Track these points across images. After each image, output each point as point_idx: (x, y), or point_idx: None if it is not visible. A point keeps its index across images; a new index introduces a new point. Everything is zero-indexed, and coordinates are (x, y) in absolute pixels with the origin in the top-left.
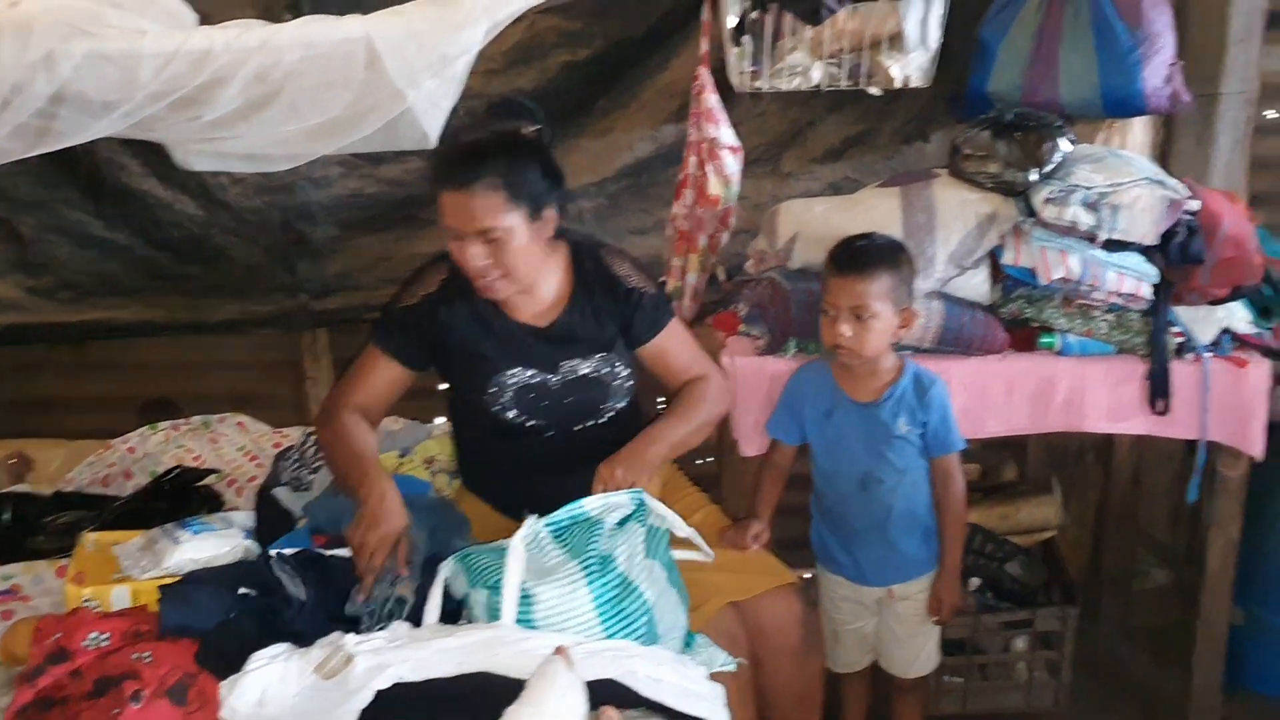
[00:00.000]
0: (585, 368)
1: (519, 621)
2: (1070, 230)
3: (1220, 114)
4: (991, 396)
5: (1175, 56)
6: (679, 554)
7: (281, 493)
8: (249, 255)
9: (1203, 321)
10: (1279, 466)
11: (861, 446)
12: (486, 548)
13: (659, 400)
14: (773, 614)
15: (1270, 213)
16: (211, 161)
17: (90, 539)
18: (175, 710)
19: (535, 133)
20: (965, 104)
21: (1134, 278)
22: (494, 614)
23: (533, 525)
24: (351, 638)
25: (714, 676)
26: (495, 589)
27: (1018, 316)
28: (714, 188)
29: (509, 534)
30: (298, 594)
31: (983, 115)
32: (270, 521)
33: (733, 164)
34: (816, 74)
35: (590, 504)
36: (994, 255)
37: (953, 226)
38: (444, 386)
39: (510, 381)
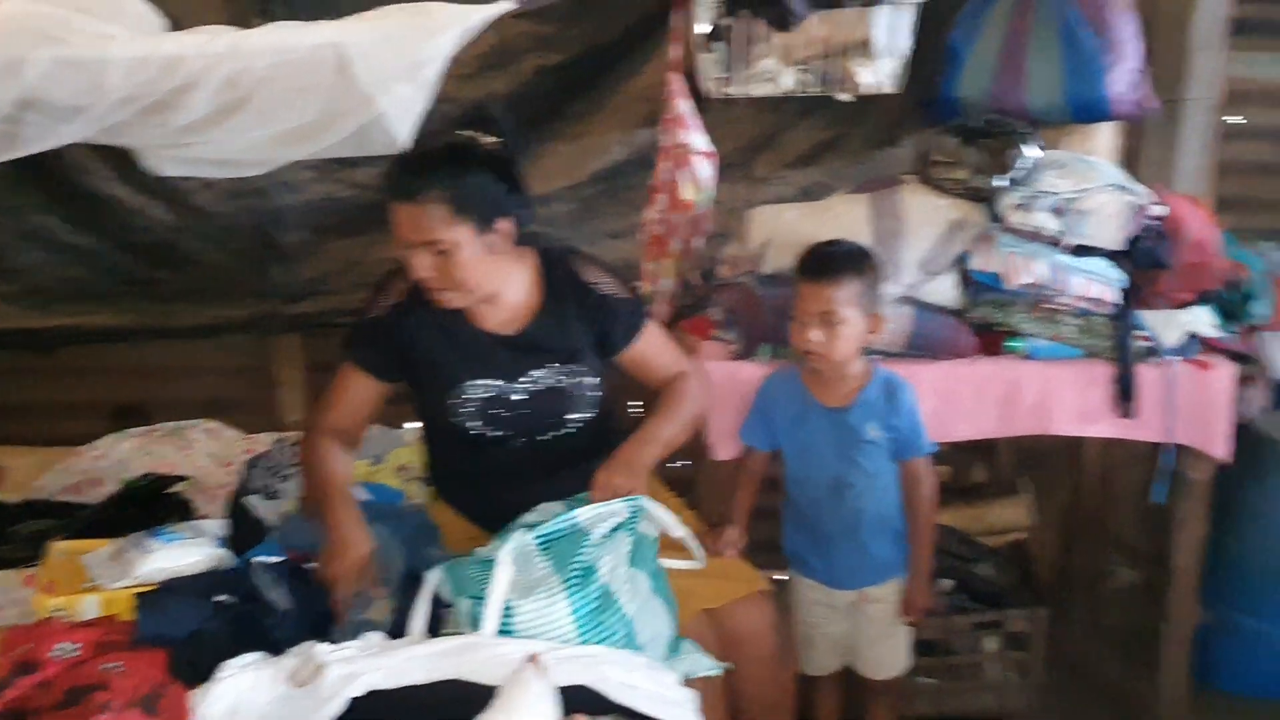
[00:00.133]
0: (549, 379)
1: (498, 632)
2: (1037, 236)
3: (1185, 119)
4: (960, 400)
5: (1140, 63)
6: (666, 561)
7: (253, 501)
8: (220, 260)
9: (1168, 325)
10: (1244, 468)
11: (832, 451)
12: (475, 559)
13: (629, 404)
14: (746, 621)
15: (1235, 217)
16: (182, 167)
17: (59, 548)
18: None
19: (494, 144)
20: (935, 110)
21: (1100, 282)
22: (476, 624)
23: (522, 538)
24: (324, 646)
25: (688, 683)
26: (479, 599)
27: (986, 321)
28: (687, 192)
29: (480, 542)
30: (279, 602)
31: (951, 121)
32: (243, 530)
33: (705, 169)
34: (787, 80)
35: (583, 514)
36: (962, 261)
37: (921, 233)
38: (408, 392)
39: (472, 393)
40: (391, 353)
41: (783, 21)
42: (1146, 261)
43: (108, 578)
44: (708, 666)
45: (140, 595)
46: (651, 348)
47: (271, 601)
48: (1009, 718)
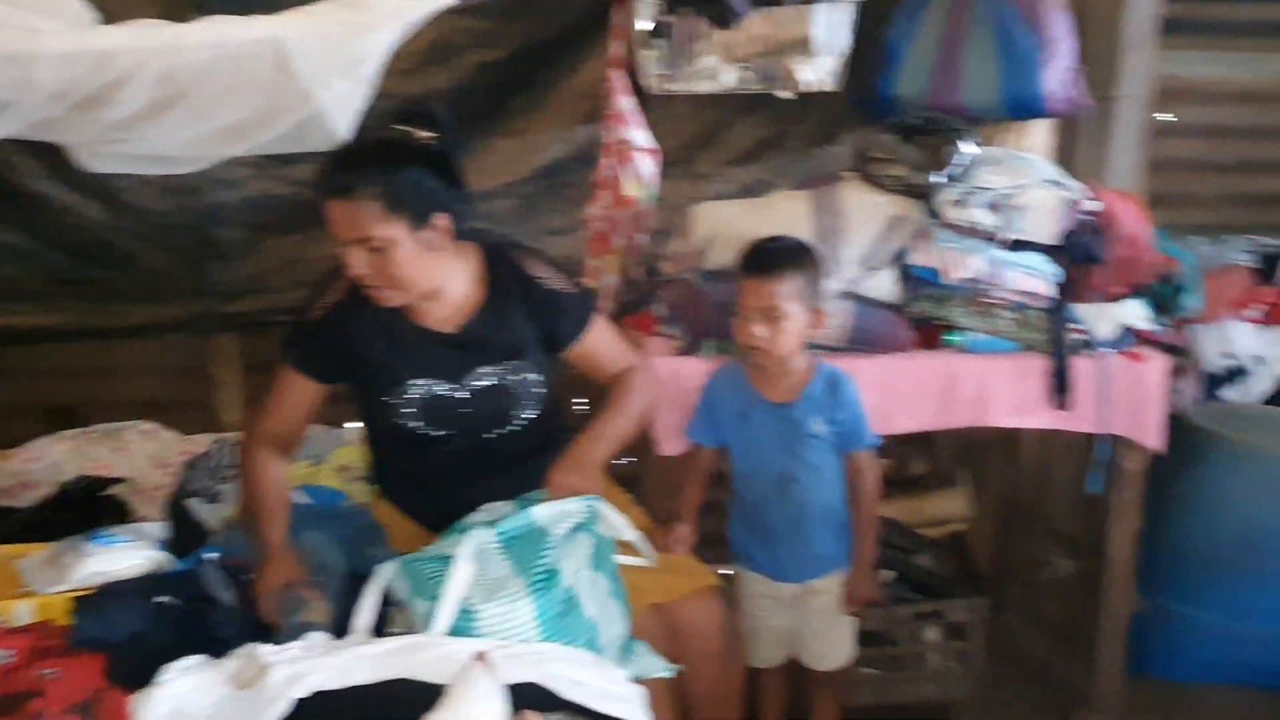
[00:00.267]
0: (493, 377)
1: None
2: (974, 231)
3: (1117, 117)
4: (900, 393)
5: (1074, 61)
6: (618, 559)
7: (194, 504)
8: (155, 259)
9: (1102, 318)
10: (1176, 458)
11: (778, 446)
12: (432, 555)
13: (575, 401)
14: (694, 617)
15: (1166, 213)
16: (115, 163)
17: None
18: None
19: (429, 139)
20: (873, 107)
21: (1035, 277)
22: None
23: (483, 535)
24: (268, 647)
25: (638, 679)
26: (436, 599)
27: (924, 315)
28: (629, 189)
29: (425, 542)
30: (225, 599)
31: (889, 119)
32: (184, 533)
33: (648, 166)
34: (728, 77)
35: (541, 513)
36: (901, 256)
37: (861, 229)
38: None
39: (414, 393)
40: (331, 354)
41: (723, 19)
42: (1080, 256)
43: (43, 583)
44: (660, 668)
45: (78, 599)
46: (599, 342)
47: (219, 599)
48: (950, 707)
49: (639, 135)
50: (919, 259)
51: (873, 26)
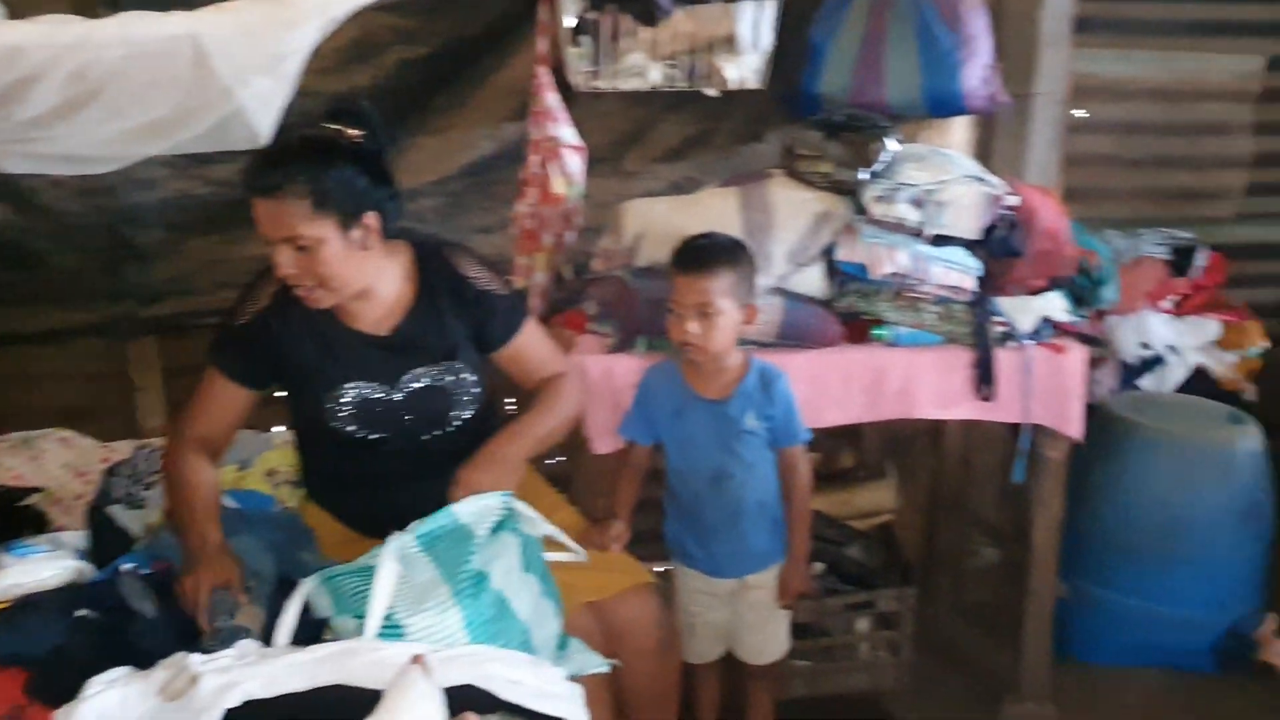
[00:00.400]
0: (428, 378)
1: None
2: (899, 227)
3: (1034, 113)
4: (829, 387)
5: (992, 59)
6: (549, 556)
7: (116, 511)
8: (70, 261)
9: (1023, 311)
10: (1096, 446)
11: (712, 443)
12: (353, 568)
13: (509, 401)
14: (630, 614)
15: (1081, 207)
16: (26, 163)
17: None
18: None
19: (357, 136)
20: (796, 105)
21: (958, 271)
22: None
23: (400, 540)
24: (196, 657)
25: (573, 677)
26: (364, 617)
27: (852, 310)
28: (557, 186)
29: (357, 545)
30: (145, 610)
31: (814, 116)
32: (105, 541)
33: (575, 163)
34: (655, 74)
35: (460, 510)
36: (829, 252)
37: (789, 225)
38: (281, 395)
39: (349, 396)
40: (258, 359)
41: (649, 16)
42: (1001, 250)
43: None
44: (595, 664)
45: None
46: (530, 345)
47: (139, 610)
48: (880, 696)
49: (566, 132)
50: (846, 254)
51: (795, 24)
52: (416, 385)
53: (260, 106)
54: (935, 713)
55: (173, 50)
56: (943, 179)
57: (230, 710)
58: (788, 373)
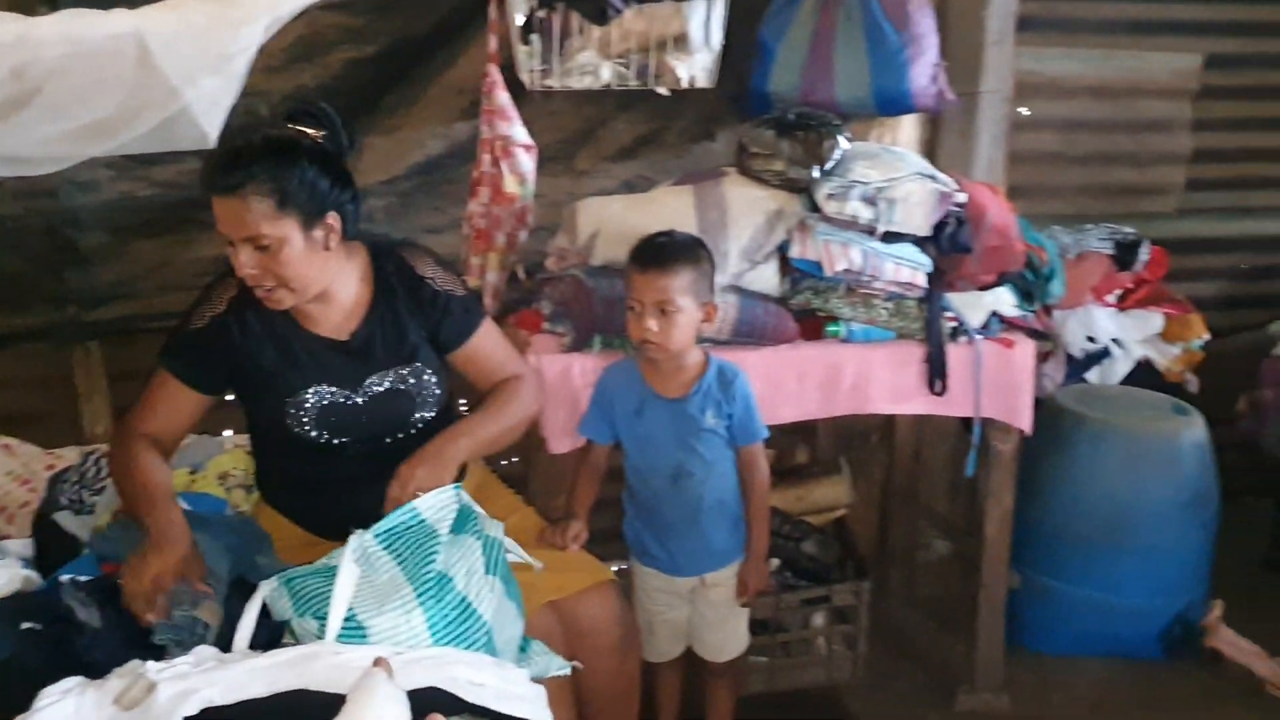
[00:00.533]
0: (390, 380)
1: None
2: (851, 224)
3: (980, 111)
4: (784, 384)
5: (939, 58)
6: (509, 555)
7: (63, 517)
8: (9, 264)
9: (973, 306)
10: (1045, 439)
11: (672, 441)
12: (312, 569)
13: (462, 402)
14: (590, 612)
15: (1025, 203)
16: None
17: None
18: None
19: (319, 137)
20: (746, 104)
21: (910, 267)
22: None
23: (360, 539)
24: (153, 664)
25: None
26: (325, 619)
27: (806, 307)
28: (510, 185)
29: (313, 549)
30: (91, 621)
31: (765, 115)
32: (52, 548)
33: (527, 162)
34: (606, 73)
35: (420, 506)
36: (782, 249)
37: (743, 223)
38: (230, 398)
39: (311, 400)
40: (213, 365)
41: (599, 14)
42: (951, 246)
43: None
44: (557, 667)
45: None
46: (486, 346)
47: (83, 622)
48: (837, 690)
49: (518, 131)
50: (799, 251)
51: (744, 23)
52: (379, 389)
53: (208, 106)
54: (891, 705)
55: (116, 49)
56: (893, 176)
57: (188, 718)
58: (743, 370)
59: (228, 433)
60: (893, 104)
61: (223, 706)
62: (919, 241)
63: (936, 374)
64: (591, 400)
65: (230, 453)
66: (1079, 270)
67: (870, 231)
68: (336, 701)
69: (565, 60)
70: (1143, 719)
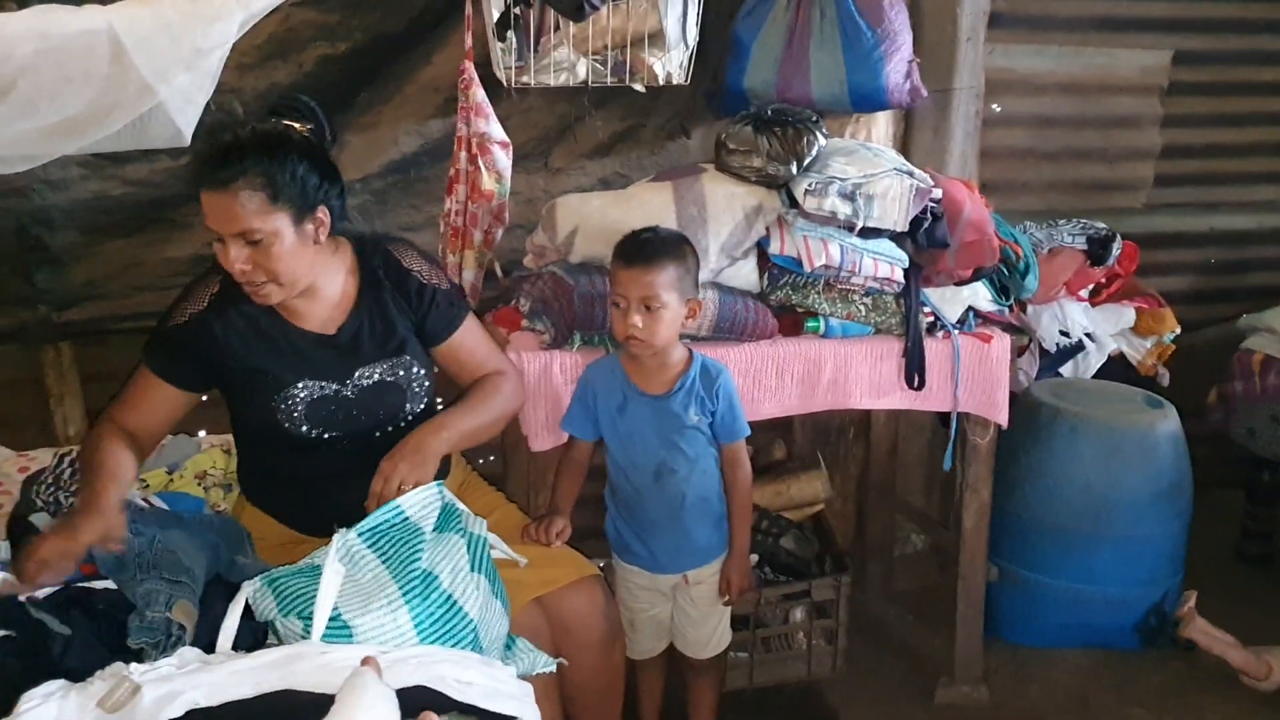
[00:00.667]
0: (379, 373)
1: None
2: (830, 219)
3: (954, 108)
4: (765, 380)
5: (912, 54)
6: (494, 552)
7: (39, 519)
8: None
9: (950, 301)
10: (1021, 432)
11: (655, 438)
12: (296, 569)
13: (438, 400)
14: (576, 607)
15: (998, 199)
16: None
17: None
18: None
19: (307, 131)
20: (722, 101)
21: (887, 262)
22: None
23: (344, 538)
24: (136, 666)
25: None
26: (311, 619)
27: (785, 303)
28: (487, 183)
29: (295, 548)
30: (61, 631)
31: (742, 112)
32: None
33: (503, 159)
34: (582, 70)
35: (403, 503)
36: (761, 245)
37: (722, 219)
38: (205, 399)
39: (300, 395)
40: (194, 362)
41: (576, 11)
42: (929, 242)
43: None
44: (543, 664)
45: None
46: (469, 342)
47: (55, 632)
48: (818, 684)
49: (495, 128)
50: (778, 248)
51: (718, 21)
52: (368, 381)
53: (182, 103)
54: (871, 699)
55: (88, 45)
56: (871, 173)
57: None
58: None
59: (202, 433)
60: (867, 100)
61: (209, 708)
62: (896, 237)
63: (914, 369)
64: (574, 396)
65: (207, 452)
66: (1052, 265)
67: (849, 227)
68: (324, 702)
69: (541, 57)
70: (1120, 709)
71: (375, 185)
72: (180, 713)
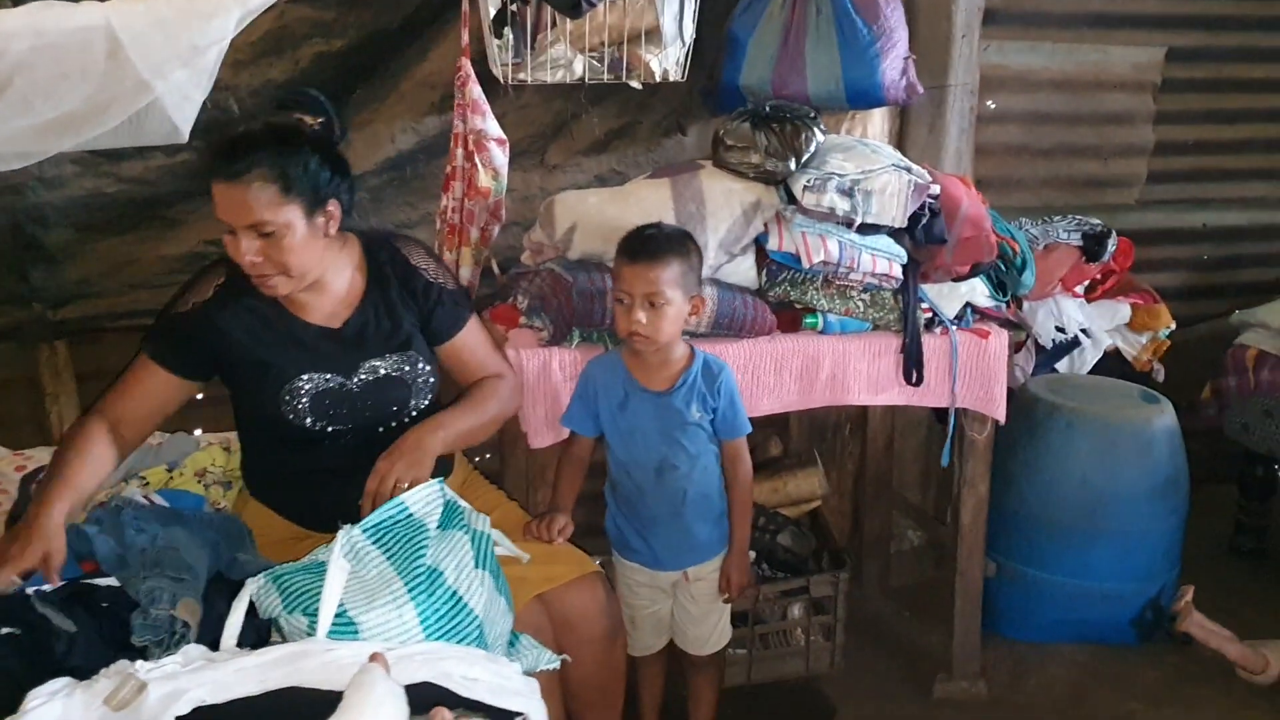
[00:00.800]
0: (384, 368)
1: None
2: (829, 215)
3: (949, 104)
4: (763, 376)
5: (908, 51)
6: (497, 549)
7: None
8: None
9: (947, 297)
10: (1018, 428)
11: (657, 434)
12: (300, 566)
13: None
14: (577, 603)
15: (992, 196)
16: None
17: None
18: None
19: (319, 125)
20: (718, 98)
21: (886, 258)
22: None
23: (349, 534)
24: (142, 664)
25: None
26: (316, 616)
27: (783, 299)
28: (483, 180)
29: (297, 544)
30: (66, 627)
31: (739, 108)
32: None
33: (500, 156)
34: (578, 66)
35: (409, 499)
36: (759, 242)
37: (721, 215)
38: (199, 395)
39: (305, 387)
40: (195, 350)
41: (573, 8)
42: (927, 238)
43: None
44: (547, 660)
45: None
46: (471, 343)
47: (60, 629)
48: (816, 680)
49: (491, 125)
50: (776, 244)
51: (713, 18)
52: (373, 375)
53: (179, 100)
54: (869, 695)
55: (85, 41)
56: (869, 169)
57: (180, 718)
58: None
59: (198, 431)
60: (863, 97)
61: (216, 705)
62: (894, 233)
63: (913, 364)
64: (575, 393)
65: (207, 450)
66: (1048, 261)
67: (848, 223)
68: (330, 698)
69: (538, 54)
70: (1117, 703)
71: (371, 183)
72: (187, 710)
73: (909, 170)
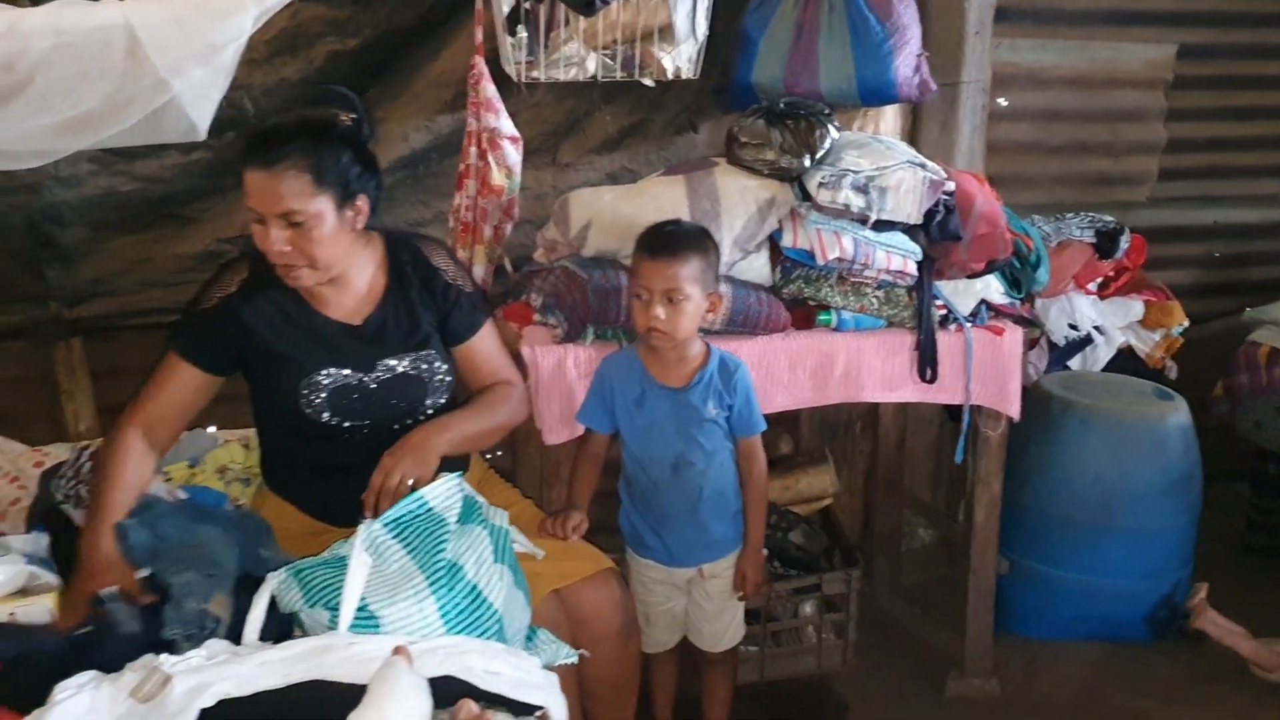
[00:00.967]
0: (402, 365)
1: None
2: (843, 212)
3: (961, 102)
4: (777, 373)
5: (921, 48)
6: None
7: (69, 509)
8: None
9: (962, 294)
10: (1031, 425)
11: (673, 431)
12: (321, 560)
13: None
14: (593, 599)
15: (1004, 193)
16: None
17: None
18: None
19: (351, 121)
20: (731, 95)
21: (900, 255)
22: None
23: (369, 528)
24: (167, 658)
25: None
26: (337, 610)
27: (797, 296)
28: (497, 178)
29: (317, 539)
30: (130, 627)
31: (752, 105)
32: (67, 541)
33: (513, 154)
34: (591, 64)
35: (429, 494)
36: (774, 239)
37: (735, 212)
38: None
39: (324, 382)
40: (222, 345)
41: (587, 6)
42: (941, 234)
43: None
44: (565, 655)
45: None
46: (485, 347)
47: (126, 631)
48: (828, 677)
49: (505, 123)
50: (791, 241)
51: (726, 15)
52: (391, 372)
53: (196, 97)
54: (881, 692)
55: (105, 40)
56: (884, 165)
57: (205, 710)
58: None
59: (212, 428)
60: (876, 94)
61: (240, 699)
62: (909, 230)
63: (927, 361)
64: (591, 389)
65: (226, 447)
66: (1061, 258)
67: (862, 220)
68: (354, 692)
69: (551, 52)
70: (1131, 701)
71: (384, 181)
72: (212, 702)
73: (924, 167)
